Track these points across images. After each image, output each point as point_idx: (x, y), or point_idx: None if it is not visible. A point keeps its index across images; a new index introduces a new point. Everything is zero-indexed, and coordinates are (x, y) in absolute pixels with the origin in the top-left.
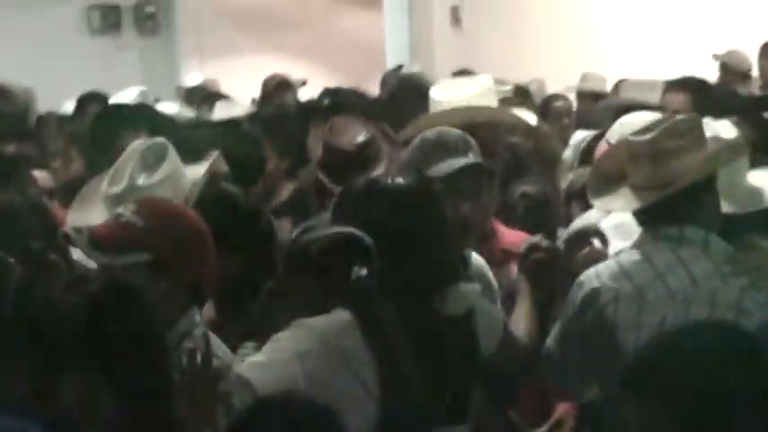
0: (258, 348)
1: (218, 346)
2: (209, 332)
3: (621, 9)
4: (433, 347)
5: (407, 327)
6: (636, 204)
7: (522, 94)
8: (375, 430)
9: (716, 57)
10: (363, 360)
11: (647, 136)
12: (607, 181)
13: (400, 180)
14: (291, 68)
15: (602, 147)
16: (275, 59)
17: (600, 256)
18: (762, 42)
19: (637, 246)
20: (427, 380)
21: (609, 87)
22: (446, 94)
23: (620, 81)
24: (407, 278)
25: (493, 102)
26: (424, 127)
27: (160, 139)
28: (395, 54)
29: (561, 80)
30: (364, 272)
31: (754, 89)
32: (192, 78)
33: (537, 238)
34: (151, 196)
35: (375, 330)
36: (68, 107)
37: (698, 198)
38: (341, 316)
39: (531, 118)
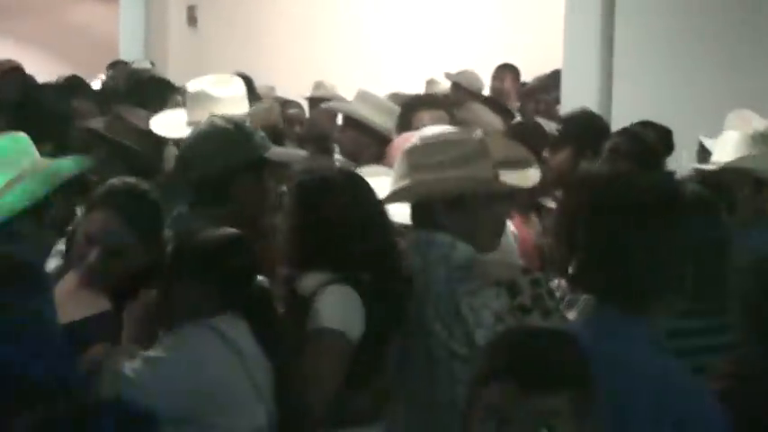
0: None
1: None
2: None
3: (358, 20)
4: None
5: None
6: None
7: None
8: None
9: (448, 75)
10: (258, 363)
11: (408, 147)
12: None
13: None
14: (20, 55)
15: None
16: (2, 45)
17: None
18: (495, 64)
19: (404, 242)
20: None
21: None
22: (221, 91)
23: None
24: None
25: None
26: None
27: None
28: (128, 49)
29: (293, 86)
30: (262, 278)
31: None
32: None
33: None
34: None
35: (271, 336)
36: None
37: (442, 209)
38: (236, 318)
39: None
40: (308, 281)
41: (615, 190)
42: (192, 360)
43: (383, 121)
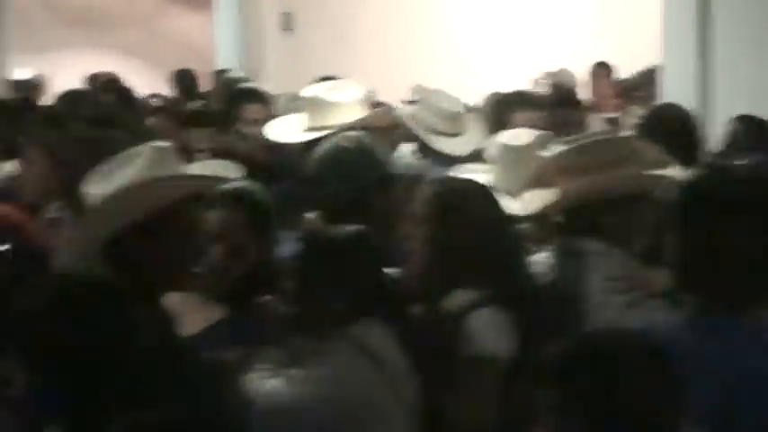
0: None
1: None
2: None
3: (451, 21)
4: None
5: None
6: (536, 206)
7: None
8: None
9: (549, 75)
10: (400, 373)
11: (558, 151)
12: (537, 183)
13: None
14: (119, 66)
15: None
16: (102, 57)
17: None
18: (592, 62)
19: (550, 251)
20: None
21: None
22: (337, 96)
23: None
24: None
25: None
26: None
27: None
28: (225, 56)
29: (389, 88)
30: (395, 274)
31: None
32: (22, 72)
33: None
34: None
35: (410, 339)
36: None
37: (606, 213)
38: (373, 324)
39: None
40: (455, 299)
41: (711, 183)
42: (333, 378)
43: (435, 123)
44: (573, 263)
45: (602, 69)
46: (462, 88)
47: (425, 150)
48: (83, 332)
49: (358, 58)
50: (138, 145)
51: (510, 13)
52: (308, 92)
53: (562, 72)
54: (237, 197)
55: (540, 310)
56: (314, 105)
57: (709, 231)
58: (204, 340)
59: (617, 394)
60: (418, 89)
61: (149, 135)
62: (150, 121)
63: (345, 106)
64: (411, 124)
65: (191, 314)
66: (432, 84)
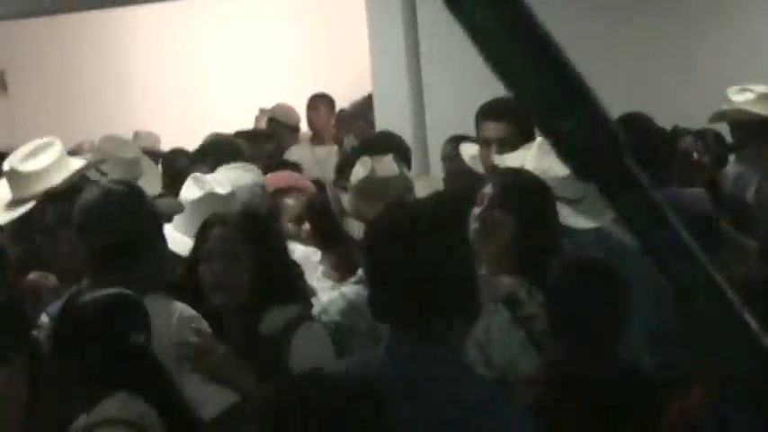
0: None
1: None
2: None
3: (170, 64)
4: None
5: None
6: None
7: None
8: None
9: (263, 111)
10: None
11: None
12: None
13: None
14: None
15: None
16: None
17: None
18: (309, 95)
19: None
20: None
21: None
22: (33, 164)
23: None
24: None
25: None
26: None
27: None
28: None
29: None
30: (142, 338)
31: (305, 140)
32: None
33: None
34: None
35: (165, 406)
36: None
37: None
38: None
39: None
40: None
41: (387, 218)
42: None
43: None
44: None
45: (319, 101)
46: (190, 133)
47: None
48: None
49: (80, 112)
50: None
51: (227, 54)
52: (6, 164)
53: (281, 107)
54: None
55: None
56: (11, 177)
57: (385, 263)
58: None
59: None
60: (136, 136)
61: None
62: None
63: (43, 172)
64: (90, 174)
65: None
66: (155, 129)
